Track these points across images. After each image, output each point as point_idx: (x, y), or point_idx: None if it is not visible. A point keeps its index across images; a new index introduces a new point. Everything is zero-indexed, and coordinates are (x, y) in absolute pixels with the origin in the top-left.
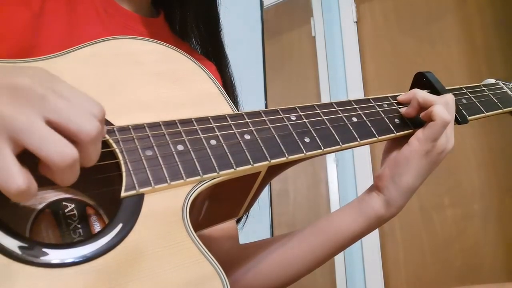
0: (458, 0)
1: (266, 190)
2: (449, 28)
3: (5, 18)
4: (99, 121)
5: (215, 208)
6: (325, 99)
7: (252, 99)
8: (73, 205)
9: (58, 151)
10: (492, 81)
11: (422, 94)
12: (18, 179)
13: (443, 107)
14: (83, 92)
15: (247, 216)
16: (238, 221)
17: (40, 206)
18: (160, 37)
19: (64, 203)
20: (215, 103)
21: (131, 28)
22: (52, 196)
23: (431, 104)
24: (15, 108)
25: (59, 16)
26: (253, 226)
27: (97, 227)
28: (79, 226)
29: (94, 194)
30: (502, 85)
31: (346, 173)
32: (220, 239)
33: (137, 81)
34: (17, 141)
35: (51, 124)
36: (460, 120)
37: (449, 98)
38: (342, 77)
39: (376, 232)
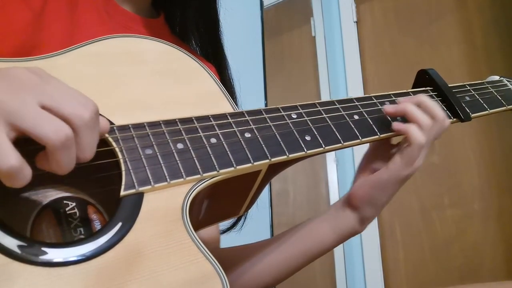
0: (458, 0)
1: (266, 190)
2: (449, 28)
3: (6, 17)
4: (93, 112)
5: (215, 207)
6: (325, 99)
7: (252, 99)
8: (74, 204)
9: (53, 129)
10: (496, 78)
11: (411, 108)
12: (10, 157)
13: (418, 129)
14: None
15: (246, 217)
16: (236, 222)
17: (41, 205)
18: (160, 38)
19: (65, 201)
20: (216, 102)
21: (131, 28)
22: (53, 194)
23: (414, 120)
24: (10, 92)
25: (61, 16)
26: (253, 226)
27: (98, 225)
28: (80, 224)
29: (95, 192)
30: (506, 82)
31: (346, 173)
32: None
33: (138, 79)
34: (12, 123)
35: (45, 108)
36: (463, 117)
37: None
38: (342, 77)
39: (376, 232)
